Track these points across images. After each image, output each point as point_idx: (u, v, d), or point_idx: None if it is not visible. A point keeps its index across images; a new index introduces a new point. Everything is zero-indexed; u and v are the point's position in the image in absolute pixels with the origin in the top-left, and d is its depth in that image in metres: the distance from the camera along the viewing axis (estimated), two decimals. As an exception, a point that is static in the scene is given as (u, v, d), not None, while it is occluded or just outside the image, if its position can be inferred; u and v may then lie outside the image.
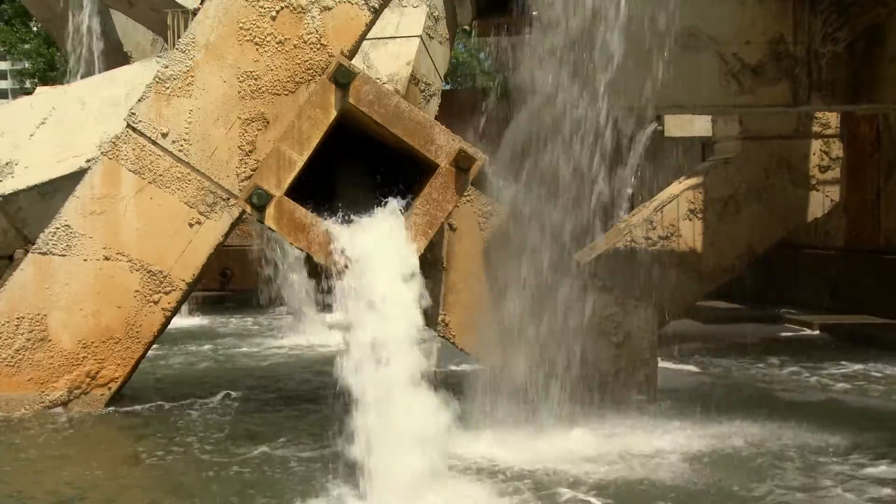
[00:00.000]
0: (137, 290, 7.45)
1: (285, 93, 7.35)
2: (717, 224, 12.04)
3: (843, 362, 9.91)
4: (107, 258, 7.45)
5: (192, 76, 7.39)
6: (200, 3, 8.38)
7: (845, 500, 5.23)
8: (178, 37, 10.24)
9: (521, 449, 6.21)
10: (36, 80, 37.25)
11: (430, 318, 7.44)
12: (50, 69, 36.62)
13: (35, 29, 37.31)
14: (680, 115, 12.92)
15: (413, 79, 12.84)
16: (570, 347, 6.96)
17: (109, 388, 7.47)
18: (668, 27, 7.04)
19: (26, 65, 41.47)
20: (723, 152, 12.50)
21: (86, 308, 7.43)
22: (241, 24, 7.34)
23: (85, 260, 7.43)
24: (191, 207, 7.44)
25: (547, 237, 6.98)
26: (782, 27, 8.83)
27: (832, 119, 12.31)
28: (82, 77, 15.11)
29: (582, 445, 6.35)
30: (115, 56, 16.42)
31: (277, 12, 7.33)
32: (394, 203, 6.14)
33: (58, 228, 7.44)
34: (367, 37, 8.05)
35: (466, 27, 14.85)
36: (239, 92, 7.37)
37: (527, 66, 7.13)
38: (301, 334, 12.38)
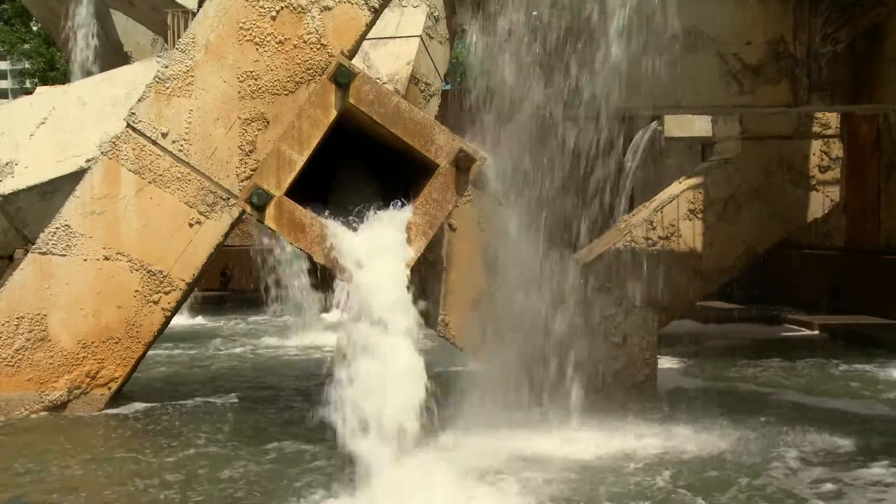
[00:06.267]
0: (137, 290, 7.45)
1: (285, 93, 7.35)
2: (717, 224, 12.04)
3: (843, 363, 9.89)
4: (107, 258, 7.45)
5: (192, 76, 7.39)
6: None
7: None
8: (179, 37, 10.24)
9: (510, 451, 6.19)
10: (36, 80, 37.25)
11: (431, 318, 7.44)
12: (50, 69, 36.63)
13: (35, 29, 37.29)
14: (680, 115, 12.92)
15: (413, 79, 12.84)
16: (570, 348, 6.96)
17: (109, 388, 7.47)
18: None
19: (26, 65, 41.49)
20: (723, 152, 12.51)
21: (86, 308, 7.43)
22: (241, 24, 7.34)
23: (85, 260, 7.43)
24: (191, 207, 7.43)
25: (545, 238, 6.99)
26: (782, 27, 8.84)
27: (832, 119, 12.32)
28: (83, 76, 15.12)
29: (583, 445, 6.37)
30: (115, 56, 16.42)
31: (277, 12, 7.32)
32: (392, 206, 6.14)
33: (58, 228, 7.44)
34: (367, 37, 8.04)
35: (466, 27, 14.83)
36: (239, 92, 7.37)
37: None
38: (301, 334, 12.38)
